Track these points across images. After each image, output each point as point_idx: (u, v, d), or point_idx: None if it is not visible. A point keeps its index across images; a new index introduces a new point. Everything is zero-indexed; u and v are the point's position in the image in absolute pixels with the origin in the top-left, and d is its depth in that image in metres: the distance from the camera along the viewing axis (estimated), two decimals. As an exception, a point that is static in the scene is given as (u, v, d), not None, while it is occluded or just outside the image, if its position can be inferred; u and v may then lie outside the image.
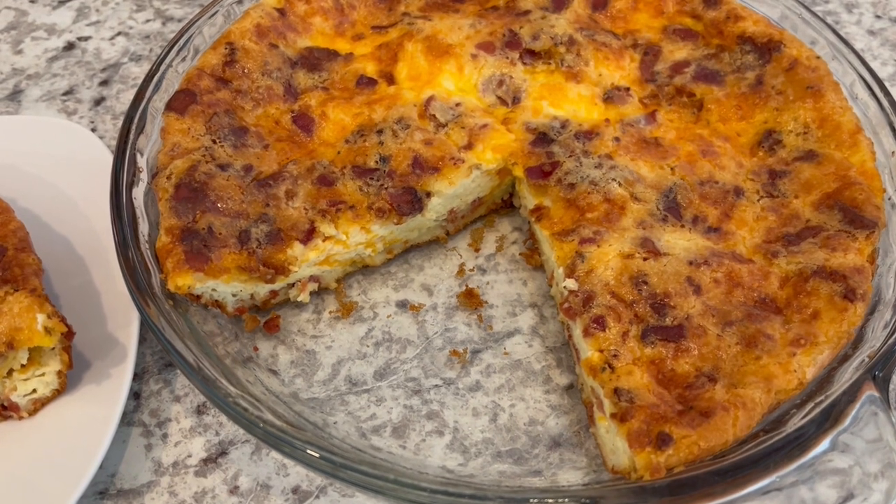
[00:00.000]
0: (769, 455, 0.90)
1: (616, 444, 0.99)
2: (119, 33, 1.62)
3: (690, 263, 1.08)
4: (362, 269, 1.25)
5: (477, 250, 1.28)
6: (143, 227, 1.11)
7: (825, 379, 0.98)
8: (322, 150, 1.23)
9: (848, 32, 1.64)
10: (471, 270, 1.25)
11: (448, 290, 1.23)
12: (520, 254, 1.27)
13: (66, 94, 1.51)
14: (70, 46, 1.59)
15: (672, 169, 1.20)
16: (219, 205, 1.12)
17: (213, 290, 1.11)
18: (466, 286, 1.23)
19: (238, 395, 0.97)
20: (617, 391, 0.99)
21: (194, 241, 1.08)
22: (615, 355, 1.02)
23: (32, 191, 1.28)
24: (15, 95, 1.51)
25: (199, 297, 1.10)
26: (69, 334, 1.03)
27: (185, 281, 1.04)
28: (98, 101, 1.50)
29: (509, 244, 1.29)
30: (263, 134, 1.24)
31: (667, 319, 1.04)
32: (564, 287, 1.09)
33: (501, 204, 1.32)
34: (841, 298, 1.03)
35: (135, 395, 1.14)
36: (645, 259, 1.08)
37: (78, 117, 1.48)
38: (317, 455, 0.91)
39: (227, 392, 0.95)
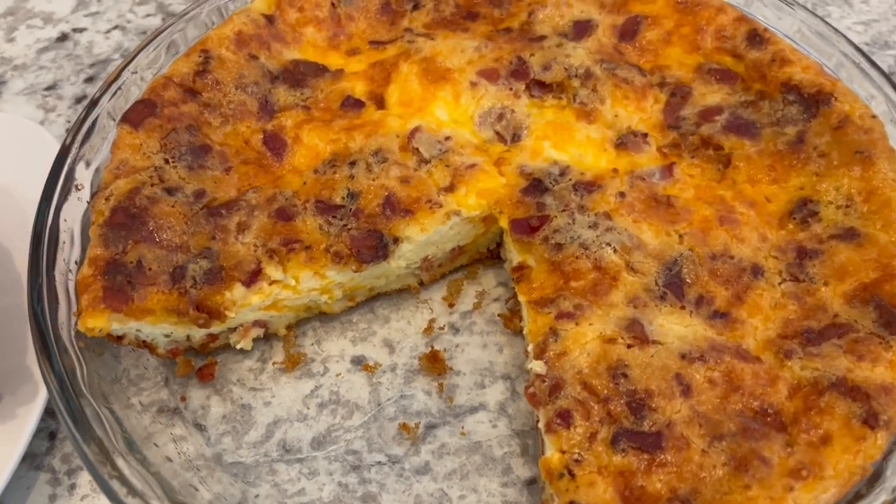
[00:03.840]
0: None
1: (565, 570, 0.83)
2: (116, 27, 1.52)
3: (683, 357, 0.91)
4: (319, 316, 1.12)
5: (451, 305, 1.13)
6: (72, 254, 1.00)
7: (827, 525, 0.81)
8: (289, 178, 1.10)
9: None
10: (441, 329, 1.11)
11: (412, 349, 1.08)
12: (499, 315, 1.12)
13: (48, 88, 1.42)
14: (63, 38, 1.50)
15: (681, 236, 1.03)
16: (156, 235, 1.00)
17: (138, 330, 0.99)
18: (432, 347, 1.08)
19: (126, 477, 0.84)
20: (572, 505, 0.83)
21: (118, 275, 0.96)
22: (577, 460, 0.86)
23: (-16, 196, 1.19)
24: (-3, 86, 1.43)
25: (120, 338, 0.98)
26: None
27: (98, 323, 0.92)
28: (79, 99, 1.41)
29: (490, 301, 1.13)
30: (228, 154, 1.11)
31: (644, 423, 0.87)
32: (530, 369, 0.93)
33: (487, 254, 1.17)
34: (860, 423, 0.84)
35: (50, 435, 1.03)
36: (629, 346, 0.92)
37: (56, 114, 1.39)
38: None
39: (111, 473, 0.82)
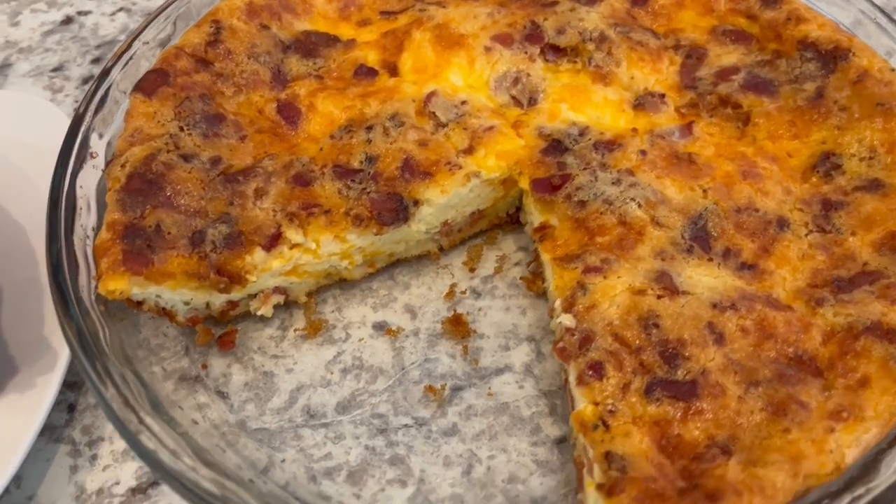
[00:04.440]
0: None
1: (603, 520, 0.82)
2: (121, 9, 1.51)
3: (714, 306, 0.90)
4: (339, 283, 1.10)
5: (472, 270, 1.12)
6: (89, 220, 0.98)
7: (870, 465, 0.79)
8: (305, 146, 1.09)
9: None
10: (462, 293, 1.09)
11: (434, 314, 1.07)
12: (521, 278, 1.10)
13: (55, 70, 1.41)
14: (68, 21, 1.49)
15: (705, 191, 1.02)
16: (174, 200, 0.99)
17: (158, 296, 0.97)
18: (455, 311, 1.07)
19: (154, 434, 0.82)
20: (609, 455, 0.81)
21: (137, 239, 0.94)
22: (612, 411, 0.84)
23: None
24: (2, 69, 1.41)
25: (140, 303, 0.96)
26: (-18, 336, 0.91)
27: (119, 285, 0.90)
28: (86, 80, 1.39)
29: (511, 266, 1.12)
30: (242, 124, 1.10)
31: (678, 372, 0.86)
32: (560, 323, 0.92)
33: (506, 219, 1.16)
34: (898, 364, 0.83)
35: (69, 407, 1.01)
36: (659, 297, 0.91)
37: (63, 95, 1.37)
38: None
39: (139, 428, 0.81)
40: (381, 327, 1.06)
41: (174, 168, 1.01)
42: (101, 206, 1.00)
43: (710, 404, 0.83)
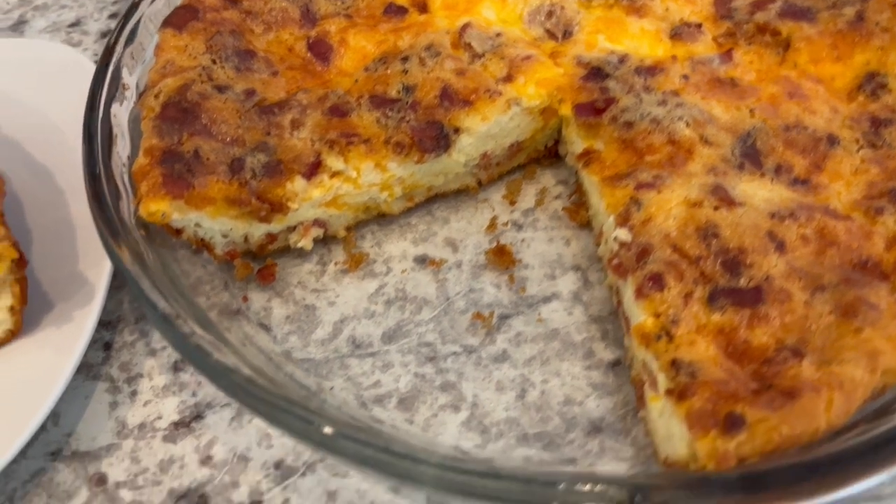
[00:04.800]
0: (875, 449, 0.69)
1: (671, 430, 0.79)
2: (136, -33, 1.48)
3: (773, 216, 0.88)
4: (377, 218, 1.08)
5: (513, 203, 1.09)
6: (123, 150, 0.96)
7: (947, 360, 0.77)
8: (338, 80, 1.07)
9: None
10: (504, 225, 1.07)
11: (476, 247, 1.04)
12: (563, 209, 1.08)
13: (72, 25, 1.38)
14: (83, -23, 1.46)
15: (751, 111, 1.00)
16: (211, 128, 0.96)
17: (198, 224, 0.94)
18: (498, 242, 1.04)
19: (212, 344, 0.80)
20: (675, 363, 0.79)
21: (176, 164, 0.92)
22: (674, 321, 0.82)
23: (16, 117, 1.14)
24: (18, 26, 1.39)
25: (179, 231, 0.94)
26: (21, 262, 0.88)
27: (160, 206, 0.88)
28: (105, 34, 1.37)
29: (551, 199, 1.09)
30: (273, 61, 1.08)
31: (741, 280, 0.83)
32: (615, 238, 0.90)
33: (544, 152, 1.13)
34: (968, 262, 0.81)
35: (105, 346, 0.98)
36: (716, 208, 0.88)
37: (82, 48, 1.35)
38: (307, 421, 0.73)
39: (199, 342, 0.78)
40: (423, 260, 1.03)
41: (209, 98, 0.99)
42: (135, 138, 0.97)
43: (776, 310, 0.81)
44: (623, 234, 0.89)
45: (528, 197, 1.10)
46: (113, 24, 1.38)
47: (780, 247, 0.85)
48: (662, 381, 0.80)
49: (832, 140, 0.97)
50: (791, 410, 0.72)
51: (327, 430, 0.73)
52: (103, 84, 0.97)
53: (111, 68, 0.99)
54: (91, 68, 1.18)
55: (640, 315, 0.85)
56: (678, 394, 0.76)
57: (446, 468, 0.71)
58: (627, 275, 0.87)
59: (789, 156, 0.96)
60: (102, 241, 0.84)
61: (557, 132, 1.11)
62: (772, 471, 0.67)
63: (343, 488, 0.86)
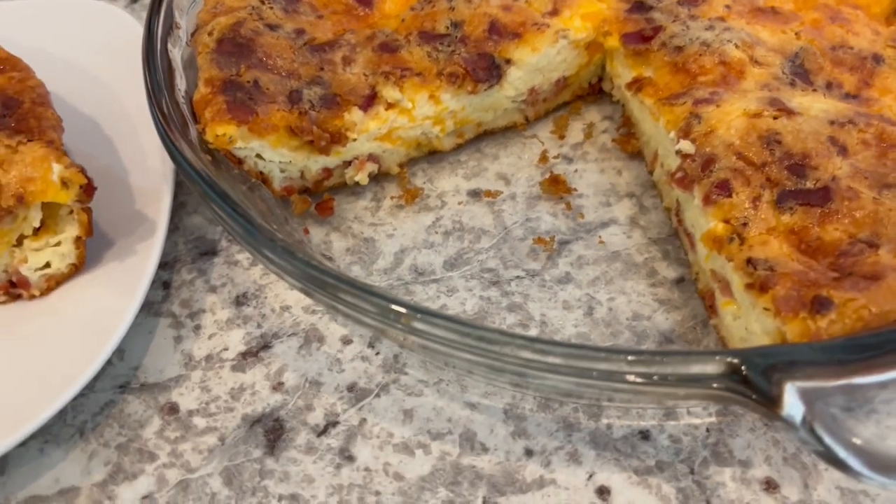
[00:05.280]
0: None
1: (751, 326, 0.80)
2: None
3: (832, 123, 0.89)
4: (428, 157, 1.08)
5: (561, 138, 1.10)
6: (181, 84, 0.95)
7: None
8: (383, 23, 1.07)
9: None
10: (555, 158, 1.07)
11: (528, 180, 1.05)
12: (613, 140, 1.09)
13: (101, -8, 1.38)
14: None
15: (796, 34, 1.02)
16: (267, 62, 0.97)
17: (259, 155, 0.94)
18: (551, 173, 1.05)
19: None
20: (750, 261, 0.79)
21: (238, 92, 0.92)
22: (745, 224, 0.83)
23: (58, 73, 1.13)
24: (46, -5, 1.38)
25: (241, 161, 0.94)
26: (89, 188, 0.87)
27: (226, 130, 0.88)
28: (134, 0, 1.37)
29: (599, 133, 1.10)
30: (317, 5, 1.08)
31: (807, 182, 0.84)
32: (678, 151, 0.91)
33: (588, 89, 1.14)
34: None
35: (164, 285, 0.97)
36: (775, 118, 0.90)
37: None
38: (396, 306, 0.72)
39: (273, 237, 0.78)
40: (477, 193, 1.04)
41: (262, 34, 0.99)
42: (190, 78, 0.97)
43: (845, 207, 0.82)
44: (686, 145, 0.90)
45: (575, 132, 1.11)
46: (142, -10, 1.38)
47: (843, 151, 0.87)
48: (738, 281, 0.80)
49: (877, 58, 0.99)
50: (878, 290, 0.73)
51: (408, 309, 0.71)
52: (157, 17, 0.97)
53: (164, 4, 0.99)
54: (122, 17, 1.19)
55: (708, 222, 0.85)
56: (759, 286, 0.77)
57: (569, 347, 0.70)
58: (693, 185, 0.88)
59: (838, 73, 0.98)
60: (173, 156, 0.84)
61: (601, 69, 1.12)
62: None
63: (419, 406, 0.86)
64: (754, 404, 0.65)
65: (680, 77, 0.98)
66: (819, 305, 0.72)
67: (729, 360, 0.65)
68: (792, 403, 0.63)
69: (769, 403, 0.64)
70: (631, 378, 0.66)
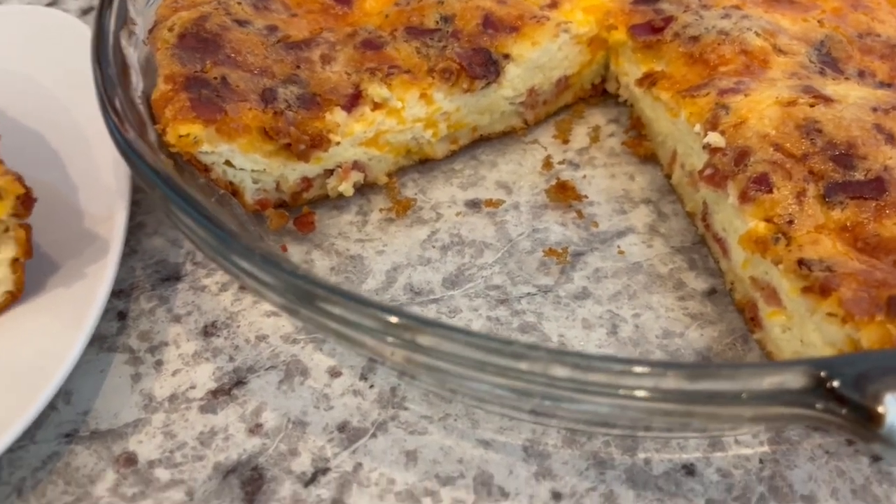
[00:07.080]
0: None
1: (809, 338, 0.69)
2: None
3: (874, 110, 0.80)
4: (418, 166, 0.97)
5: (565, 142, 1.00)
6: (137, 84, 0.83)
7: None
8: (363, 21, 0.97)
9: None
10: (560, 164, 0.97)
11: (532, 187, 0.94)
12: (623, 143, 0.99)
13: (49, 4, 1.26)
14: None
15: (819, 21, 0.93)
16: (236, 59, 0.85)
17: (228, 162, 0.82)
18: (557, 179, 0.94)
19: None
20: (803, 262, 0.69)
21: (203, 90, 0.80)
22: (790, 222, 0.73)
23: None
24: (-12, 7, 1.25)
25: (208, 169, 0.81)
26: (27, 200, 0.74)
27: (191, 130, 0.76)
28: (86, 11, 1.25)
29: (605, 136, 1.00)
30: (290, 4, 0.98)
31: (857, 173, 0.75)
32: (706, 145, 0.81)
33: (591, 91, 1.05)
34: None
35: (119, 316, 0.84)
36: (812, 105, 0.80)
37: (62, 26, 1.22)
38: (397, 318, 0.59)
39: (250, 246, 0.65)
40: (475, 204, 0.93)
41: (230, 30, 0.88)
42: (149, 77, 0.85)
43: (903, 199, 0.72)
44: (715, 138, 0.80)
45: (579, 136, 1.00)
46: (95, 0, 1.26)
47: (890, 139, 0.77)
48: (789, 286, 0.70)
49: (908, 46, 0.91)
50: (964, 287, 0.62)
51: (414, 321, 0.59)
52: (111, 10, 0.85)
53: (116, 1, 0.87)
54: (72, 23, 1.07)
55: (747, 222, 0.75)
56: (819, 288, 0.66)
57: (618, 363, 0.58)
58: (727, 181, 0.78)
59: (868, 61, 0.89)
60: (130, 164, 0.71)
61: (604, 69, 1.03)
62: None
63: (423, 446, 0.73)
64: (844, 421, 0.53)
65: (698, 68, 0.89)
66: (898, 306, 0.62)
67: (813, 370, 0.54)
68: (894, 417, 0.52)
69: (864, 419, 0.52)
70: (693, 397, 0.55)
